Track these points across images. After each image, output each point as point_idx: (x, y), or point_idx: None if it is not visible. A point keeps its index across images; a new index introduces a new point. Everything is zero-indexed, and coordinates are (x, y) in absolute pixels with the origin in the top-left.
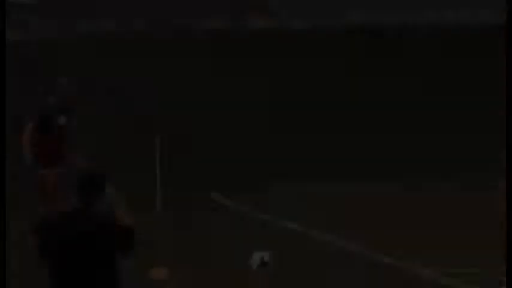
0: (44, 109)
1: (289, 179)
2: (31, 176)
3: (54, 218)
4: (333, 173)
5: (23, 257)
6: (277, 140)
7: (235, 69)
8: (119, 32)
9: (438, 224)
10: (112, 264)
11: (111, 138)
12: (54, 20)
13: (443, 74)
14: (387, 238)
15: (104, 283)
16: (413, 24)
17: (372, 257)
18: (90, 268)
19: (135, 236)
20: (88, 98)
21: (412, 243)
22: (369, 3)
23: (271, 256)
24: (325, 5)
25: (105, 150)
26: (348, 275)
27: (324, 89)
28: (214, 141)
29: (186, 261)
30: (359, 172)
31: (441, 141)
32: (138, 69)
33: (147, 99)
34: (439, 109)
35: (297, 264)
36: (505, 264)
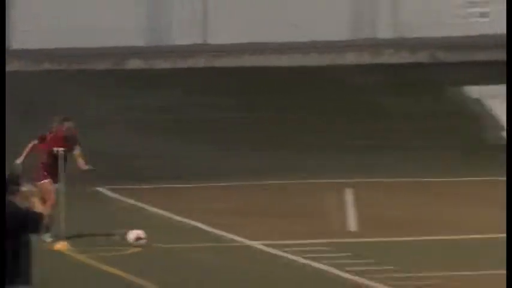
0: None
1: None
2: None
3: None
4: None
5: None
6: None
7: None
8: None
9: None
10: (26, 241)
11: None
12: None
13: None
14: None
15: (23, 254)
16: None
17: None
18: (15, 244)
19: (43, 221)
20: None
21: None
22: None
23: (145, 234)
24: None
25: None
26: (200, 251)
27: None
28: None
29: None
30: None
31: None
32: None
33: None
34: None
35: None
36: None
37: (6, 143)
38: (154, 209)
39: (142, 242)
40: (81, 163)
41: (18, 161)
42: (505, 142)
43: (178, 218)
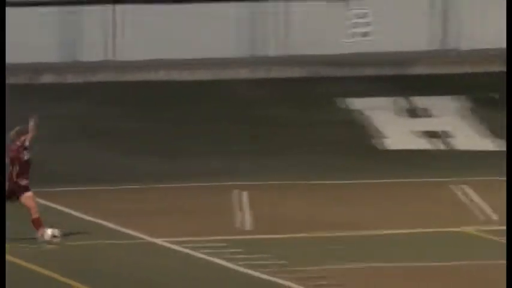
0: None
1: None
2: None
3: None
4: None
5: None
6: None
7: None
8: None
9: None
10: None
11: None
12: None
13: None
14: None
15: None
16: None
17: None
18: None
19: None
20: None
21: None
22: None
23: (60, 232)
24: None
25: None
26: (111, 247)
27: None
28: None
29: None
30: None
31: None
32: None
33: None
34: None
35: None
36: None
37: None
38: (67, 210)
39: (57, 239)
40: None
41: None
42: (384, 148)
43: (88, 218)
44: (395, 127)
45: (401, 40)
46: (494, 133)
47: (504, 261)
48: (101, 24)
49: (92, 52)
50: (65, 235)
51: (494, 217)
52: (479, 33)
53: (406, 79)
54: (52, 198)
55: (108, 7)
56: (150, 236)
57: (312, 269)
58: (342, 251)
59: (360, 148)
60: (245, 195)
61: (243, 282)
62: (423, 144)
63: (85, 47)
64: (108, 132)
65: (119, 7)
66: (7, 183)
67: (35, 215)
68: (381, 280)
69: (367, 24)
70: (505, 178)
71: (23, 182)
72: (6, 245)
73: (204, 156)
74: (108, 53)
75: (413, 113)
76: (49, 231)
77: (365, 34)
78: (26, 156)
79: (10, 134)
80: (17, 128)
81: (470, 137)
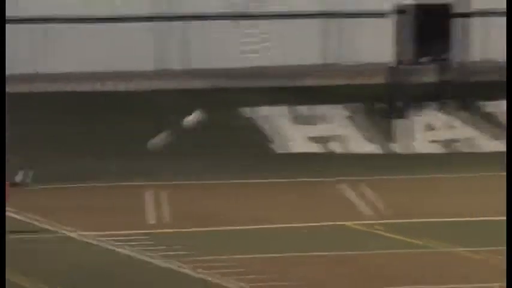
0: None
1: None
2: None
3: None
4: None
5: None
6: None
7: None
8: None
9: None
10: None
11: None
12: None
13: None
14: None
15: None
16: None
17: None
18: None
19: None
20: None
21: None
22: None
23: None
24: None
25: None
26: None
27: None
28: None
29: None
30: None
31: None
32: None
33: None
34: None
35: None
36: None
37: None
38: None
39: None
40: None
41: None
42: (280, 152)
43: (14, 215)
44: (288, 133)
45: (291, 55)
46: (372, 138)
47: (379, 251)
48: (33, 41)
49: (25, 65)
50: None
51: (372, 212)
52: (360, 48)
53: (296, 90)
54: None
55: (40, 26)
56: (69, 230)
57: (216, 258)
58: (246, 243)
59: (259, 151)
60: (161, 193)
61: (152, 271)
62: (313, 147)
63: (18, 60)
64: (43, 136)
65: (49, 26)
66: None
67: None
68: (277, 267)
69: (262, 41)
70: (384, 177)
71: None
72: None
73: (129, 156)
74: (40, 65)
75: (303, 120)
76: (192, 116)
77: (260, 50)
78: None
79: None
80: None
81: (352, 141)
